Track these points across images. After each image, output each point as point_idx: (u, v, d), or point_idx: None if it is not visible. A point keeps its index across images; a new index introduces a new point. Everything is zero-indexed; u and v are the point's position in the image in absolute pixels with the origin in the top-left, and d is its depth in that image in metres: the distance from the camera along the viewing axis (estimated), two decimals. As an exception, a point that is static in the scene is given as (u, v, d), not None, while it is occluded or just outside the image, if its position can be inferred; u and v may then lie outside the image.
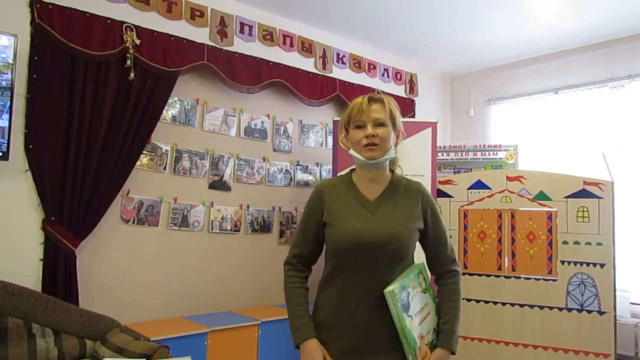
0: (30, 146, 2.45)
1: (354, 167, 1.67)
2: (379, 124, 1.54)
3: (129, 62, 2.71)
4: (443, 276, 1.65)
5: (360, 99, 1.58)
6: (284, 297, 1.62)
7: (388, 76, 4.32)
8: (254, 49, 3.40)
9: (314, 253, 1.64)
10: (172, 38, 2.95)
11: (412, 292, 1.52)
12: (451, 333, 1.57)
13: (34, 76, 2.46)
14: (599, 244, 3.01)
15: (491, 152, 4.08)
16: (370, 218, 1.55)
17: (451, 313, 1.60)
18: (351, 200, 1.59)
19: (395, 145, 1.60)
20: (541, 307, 3.08)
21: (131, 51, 2.72)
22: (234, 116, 3.37)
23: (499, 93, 4.64)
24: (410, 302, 1.50)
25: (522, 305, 3.12)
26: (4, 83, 2.30)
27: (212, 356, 2.67)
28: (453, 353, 1.56)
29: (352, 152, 1.58)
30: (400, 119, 1.61)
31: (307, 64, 3.72)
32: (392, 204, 1.58)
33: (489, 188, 3.28)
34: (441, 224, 1.65)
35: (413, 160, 3.21)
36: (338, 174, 3.31)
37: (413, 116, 4.39)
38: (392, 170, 1.65)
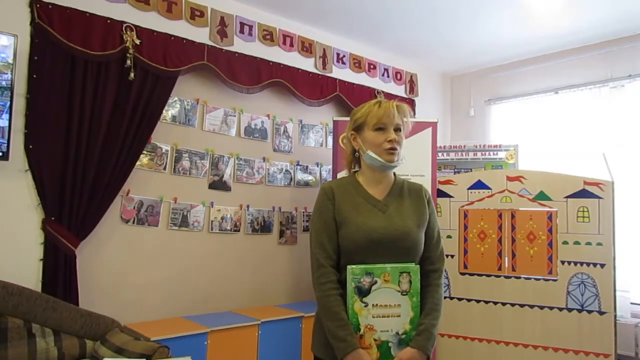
0: (30, 146, 2.45)
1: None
2: (398, 129, 1.62)
3: (129, 62, 2.70)
4: (429, 275, 1.63)
5: (387, 103, 1.63)
6: (319, 304, 1.56)
7: (388, 76, 4.32)
8: (254, 49, 3.40)
9: (337, 253, 1.59)
10: (172, 38, 2.95)
11: (381, 283, 1.50)
12: (427, 335, 1.51)
13: (34, 76, 2.45)
14: (599, 244, 3.00)
15: (491, 152, 4.08)
16: (382, 216, 1.60)
17: (430, 315, 1.55)
18: (360, 201, 1.63)
19: None
20: (541, 307, 3.07)
21: (131, 51, 2.72)
22: (234, 116, 3.37)
23: (499, 93, 4.64)
24: (371, 290, 1.50)
25: (522, 305, 3.12)
26: (4, 83, 2.30)
27: (212, 356, 2.67)
28: (427, 355, 1.51)
29: (370, 153, 1.61)
30: (408, 127, 1.67)
31: (307, 64, 3.72)
32: (400, 203, 1.64)
33: (489, 188, 3.28)
34: (436, 222, 1.70)
35: (413, 160, 3.24)
36: (338, 173, 3.33)
37: (413, 116, 4.38)
38: (393, 172, 1.72)
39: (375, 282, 1.50)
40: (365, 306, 1.49)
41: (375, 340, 1.50)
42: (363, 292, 1.50)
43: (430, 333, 1.52)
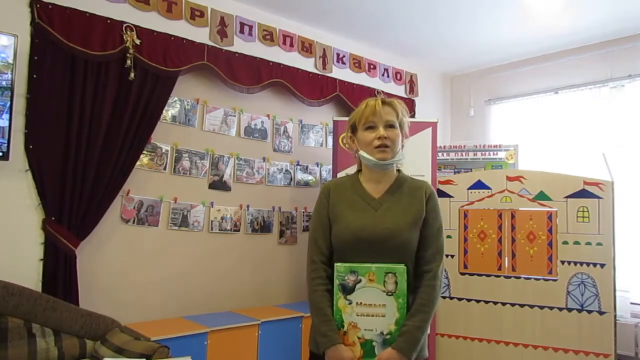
0: (30, 146, 2.45)
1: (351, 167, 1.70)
2: (390, 125, 1.59)
3: (129, 62, 2.70)
4: (422, 276, 1.59)
5: (374, 101, 1.62)
6: (308, 298, 1.60)
7: (388, 76, 4.32)
8: (254, 49, 3.40)
9: (330, 249, 1.62)
10: (172, 38, 2.95)
11: (365, 282, 1.51)
12: (408, 337, 1.49)
13: (34, 76, 2.45)
14: (599, 244, 3.01)
15: (491, 152, 4.08)
16: (373, 214, 1.59)
17: (415, 316, 1.52)
18: (356, 199, 1.63)
19: (401, 148, 1.64)
20: (541, 307, 3.08)
21: (131, 51, 2.72)
22: (234, 116, 3.37)
23: (499, 93, 4.64)
24: (355, 288, 1.51)
25: (522, 305, 3.12)
26: (4, 83, 2.30)
27: (212, 356, 2.67)
28: (408, 358, 1.48)
29: (362, 152, 1.62)
30: (407, 123, 1.65)
31: (307, 64, 3.72)
32: (395, 201, 1.62)
33: (489, 188, 3.28)
34: (436, 222, 1.64)
35: (413, 160, 3.23)
36: (338, 173, 3.33)
37: (413, 116, 4.38)
38: (398, 170, 1.70)
39: (360, 280, 1.51)
40: (349, 304, 1.51)
41: (359, 338, 1.50)
42: (347, 290, 1.51)
43: (413, 335, 1.48)
